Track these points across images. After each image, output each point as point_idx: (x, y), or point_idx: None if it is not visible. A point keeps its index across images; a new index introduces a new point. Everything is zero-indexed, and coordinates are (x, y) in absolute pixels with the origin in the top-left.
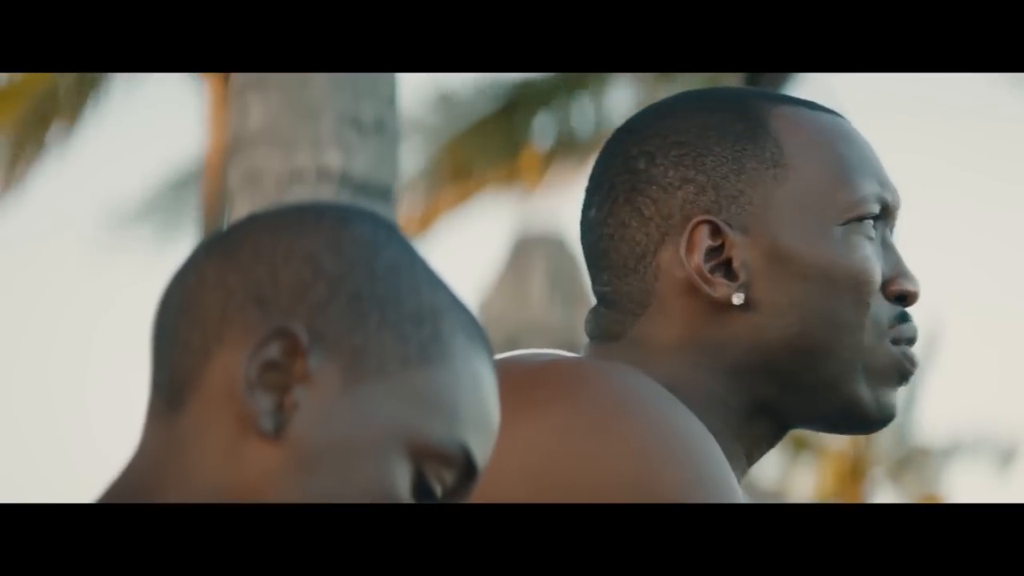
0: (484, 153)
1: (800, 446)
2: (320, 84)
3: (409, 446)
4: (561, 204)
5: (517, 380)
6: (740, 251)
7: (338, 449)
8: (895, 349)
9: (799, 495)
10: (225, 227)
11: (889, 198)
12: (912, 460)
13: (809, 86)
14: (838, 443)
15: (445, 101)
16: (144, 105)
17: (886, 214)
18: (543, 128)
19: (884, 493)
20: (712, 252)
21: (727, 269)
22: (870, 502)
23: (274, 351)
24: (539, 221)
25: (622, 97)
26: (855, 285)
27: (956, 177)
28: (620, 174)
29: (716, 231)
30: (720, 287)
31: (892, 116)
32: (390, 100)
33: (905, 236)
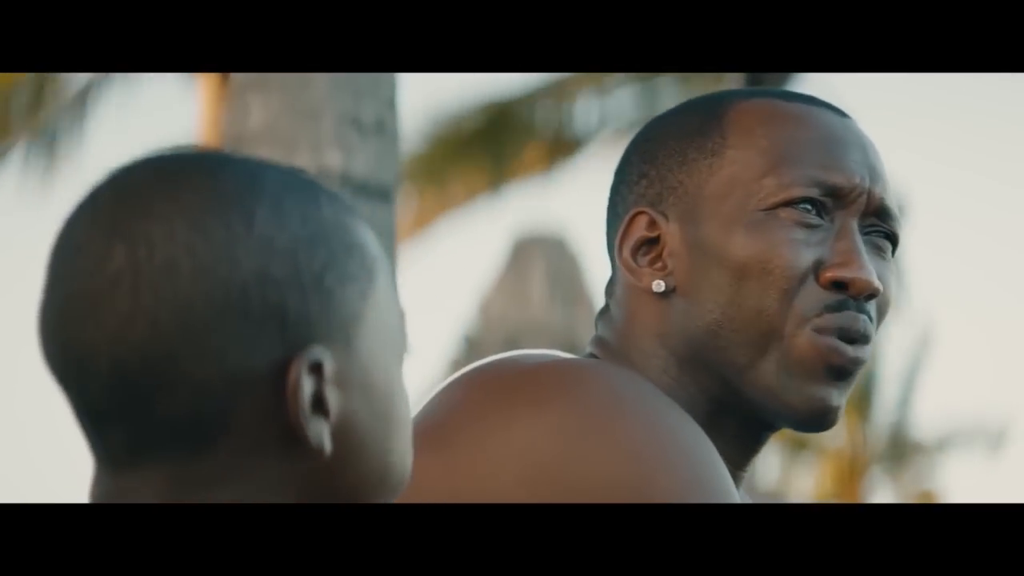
0: (483, 153)
1: (799, 446)
2: (320, 85)
3: (398, 346)
4: (561, 204)
5: (511, 382)
6: (671, 240)
7: (366, 408)
8: (820, 340)
9: (798, 495)
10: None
11: (842, 183)
12: (910, 458)
13: (811, 86)
14: (837, 442)
15: (445, 103)
16: (142, 105)
17: (843, 202)
18: (544, 126)
19: (883, 491)
20: (650, 243)
21: (663, 259)
22: (869, 501)
23: (309, 386)
24: (539, 221)
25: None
26: (768, 270)
27: (954, 177)
28: (613, 177)
29: (653, 223)
30: (645, 276)
31: (892, 116)
32: (390, 101)
33: (905, 236)
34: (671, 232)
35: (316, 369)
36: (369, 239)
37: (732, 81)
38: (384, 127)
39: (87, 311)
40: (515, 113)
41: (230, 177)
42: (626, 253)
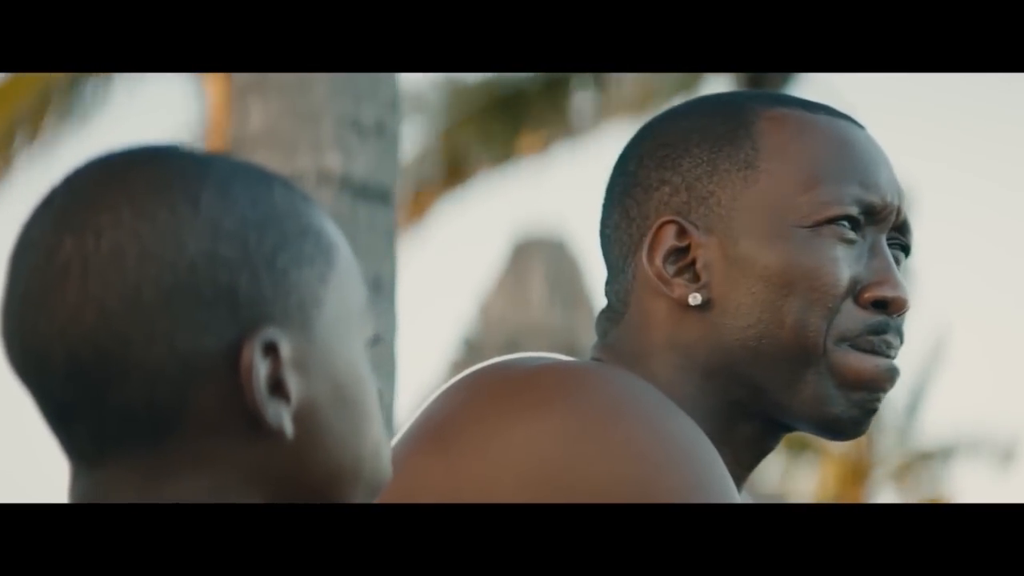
0: (483, 141)
1: (801, 448)
2: (320, 87)
3: (361, 332)
4: (562, 205)
5: (513, 384)
6: (704, 252)
7: (329, 393)
8: (861, 357)
9: (800, 497)
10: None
11: (876, 202)
12: (914, 463)
13: (812, 86)
14: (839, 445)
15: (445, 87)
16: (145, 106)
17: (875, 219)
18: (543, 119)
19: (886, 495)
20: (678, 253)
21: (693, 270)
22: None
23: (264, 367)
24: (539, 223)
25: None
26: (813, 288)
27: (963, 182)
28: (617, 176)
29: (683, 232)
30: (678, 287)
31: (894, 117)
32: (390, 103)
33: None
34: (705, 244)
35: (271, 350)
36: (326, 225)
37: (731, 81)
38: (384, 129)
39: (40, 304)
40: (513, 103)
41: (176, 165)
42: (658, 262)
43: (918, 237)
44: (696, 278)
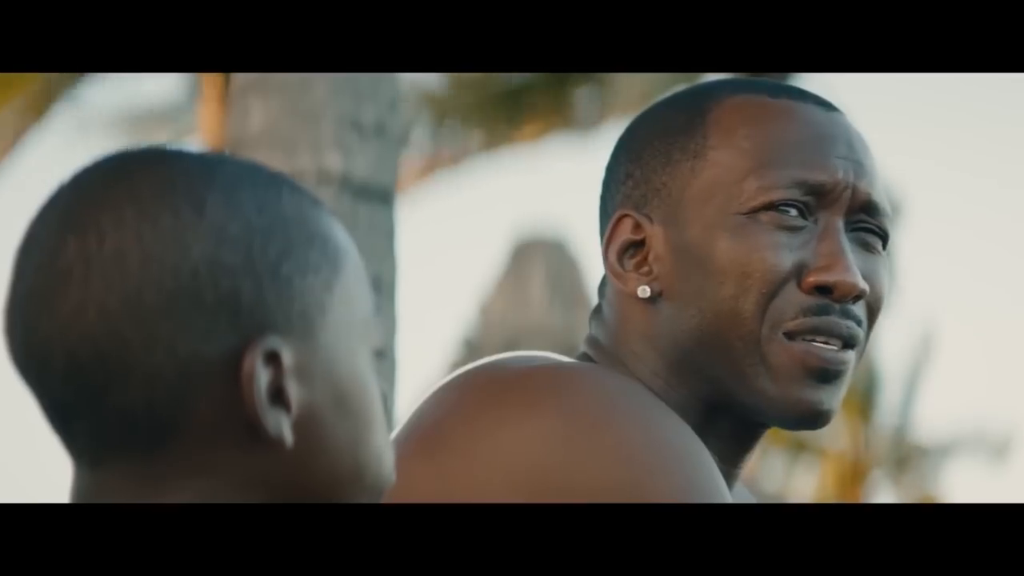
0: (484, 139)
1: (800, 447)
2: (321, 87)
3: (367, 340)
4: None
5: (503, 384)
6: (656, 244)
7: (331, 402)
8: (793, 345)
9: (799, 497)
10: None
11: (824, 181)
12: (912, 461)
13: (812, 86)
14: (838, 445)
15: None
16: (144, 106)
17: (826, 200)
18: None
19: (884, 494)
20: (636, 246)
21: (649, 263)
22: (870, 503)
23: (265, 376)
24: (539, 223)
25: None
26: (747, 274)
27: (957, 180)
28: (603, 173)
29: (639, 225)
30: (631, 280)
31: (891, 117)
32: (391, 103)
33: (899, 238)
34: (656, 235)
35: (273, 359)
36: (335, 231)
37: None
38: (384, 129)
39: (42, 304)
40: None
41: (183, 168)
42: (612, 257)
43: (910, 235)
44: (650, 271)
